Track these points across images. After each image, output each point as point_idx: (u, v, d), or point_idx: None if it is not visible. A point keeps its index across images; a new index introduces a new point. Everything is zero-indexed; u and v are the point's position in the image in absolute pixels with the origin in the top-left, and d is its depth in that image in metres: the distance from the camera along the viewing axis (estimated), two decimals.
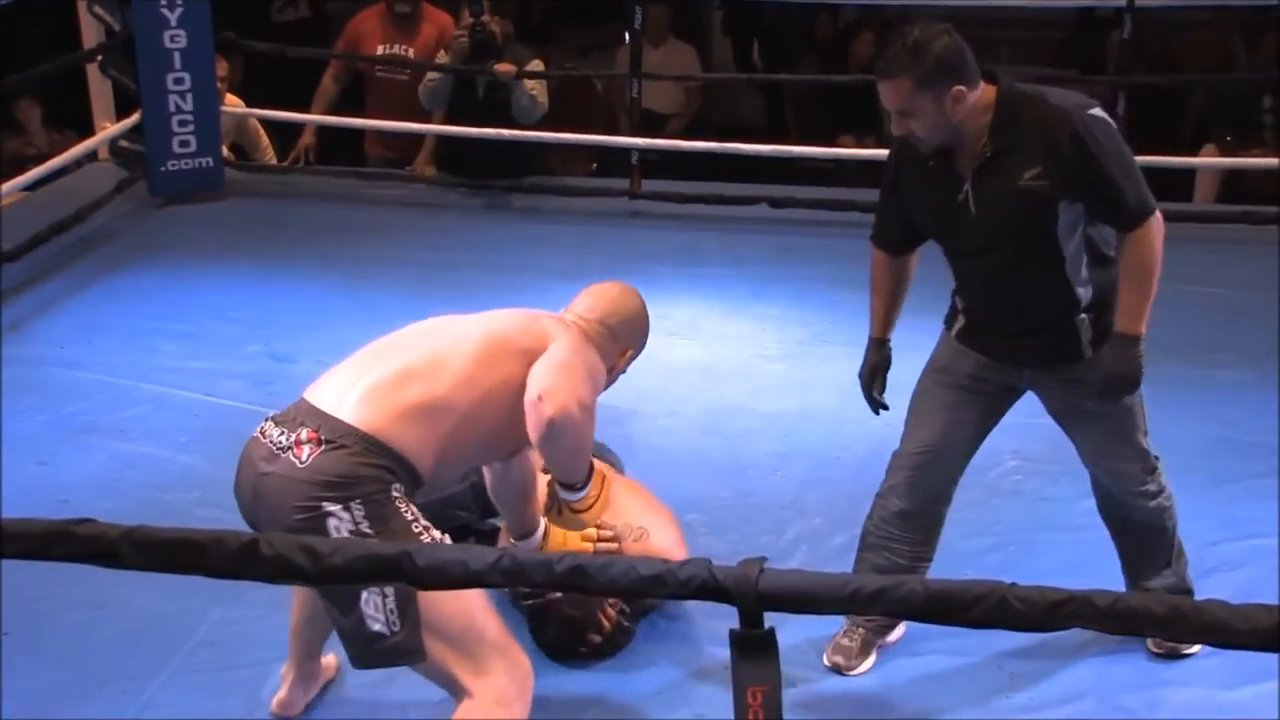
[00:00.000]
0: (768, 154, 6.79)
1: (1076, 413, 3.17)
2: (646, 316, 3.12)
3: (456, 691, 2.62)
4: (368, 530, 2.53)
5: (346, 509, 2.52)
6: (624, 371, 3.13)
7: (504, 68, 6.40)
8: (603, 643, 3.30)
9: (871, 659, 3.32)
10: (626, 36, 7.25)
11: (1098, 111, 2.94)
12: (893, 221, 3.21)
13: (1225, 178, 7.23)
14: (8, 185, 5.93)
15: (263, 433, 2.67)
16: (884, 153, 7.16)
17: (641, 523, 3.42)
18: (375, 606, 2.53)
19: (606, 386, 3.05)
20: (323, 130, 7.17)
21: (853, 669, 3.29)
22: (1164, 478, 3.27)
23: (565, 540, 3.13)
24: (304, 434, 2.59)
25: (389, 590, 2.52)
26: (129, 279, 5.76)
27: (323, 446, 2.57)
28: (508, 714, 2.59)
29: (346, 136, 7.28)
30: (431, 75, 6.56)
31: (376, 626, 2.54)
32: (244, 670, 3.24)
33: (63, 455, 4.30)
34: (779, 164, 7.19)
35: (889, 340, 3.29)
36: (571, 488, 2.88)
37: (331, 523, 2.52)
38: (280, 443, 2.61)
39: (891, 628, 3.38)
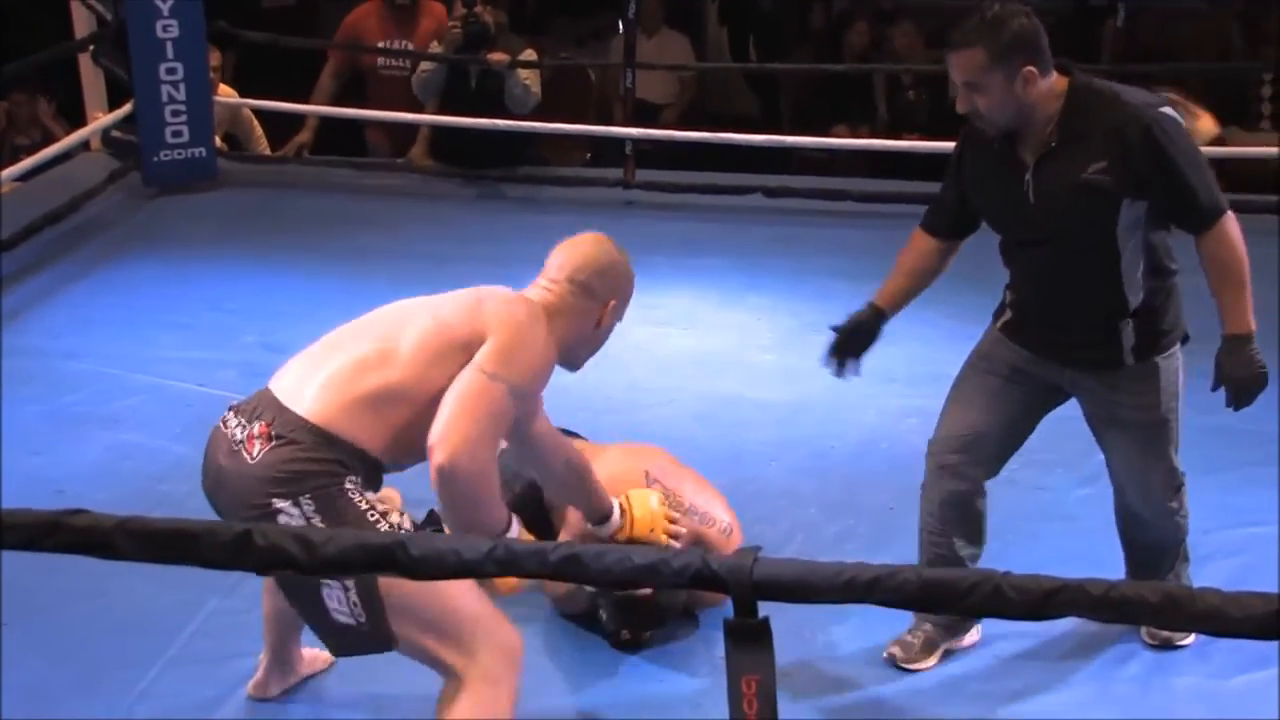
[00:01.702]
0: (762, 144, 6.78)
1: (1113, 421, 3.14)
2: (624, 263, 2.94)
3: (444, 671, 2.62)
4: (319, 525, 2.53)
5: (296, 504, 2.53)
6: (614, 324, 2.97)
7: (497, 57, 6.39)
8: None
9: (935, 659, 3.26)
10: (620, 25, 7.24)
11: (1169, 110, 2.92)
12: (949, 202, 3.17)
13: (1221, 165, 7.23)
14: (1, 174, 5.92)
15: (225, 422, 2.69)
16: (878, 143, 7.23)
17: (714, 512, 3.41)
18: (338, 600, 2.54)
19: (600, 344, 2.95)
20: (322, 126, 7.17)
21: (910, 664, 3.24)
22: (1186, 497, 3.25)
23: (649, 524, 3.15)
24: (257, 428, 2.60)
25: (349, 583, 2.52)
26: (124, 269, 5.75)
27: (273, 442, 2.58)
28: (495, 690, 2.59)
29: (347, 131, 7.27)
30: (425, 66, 6.56)
31: (342, 619, 2.55)
32: (239, 660, 3.23)
33: (58, 445, 4.30)
34: (774, 154, 7.18)
35: (885, 316, 3.19)
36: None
37: (281, 519, 2.53)
38: (236, 436, 2.63)
39: (963, 630, 3.30)
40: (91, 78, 6.76)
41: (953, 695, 3.18)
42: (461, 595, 2.61)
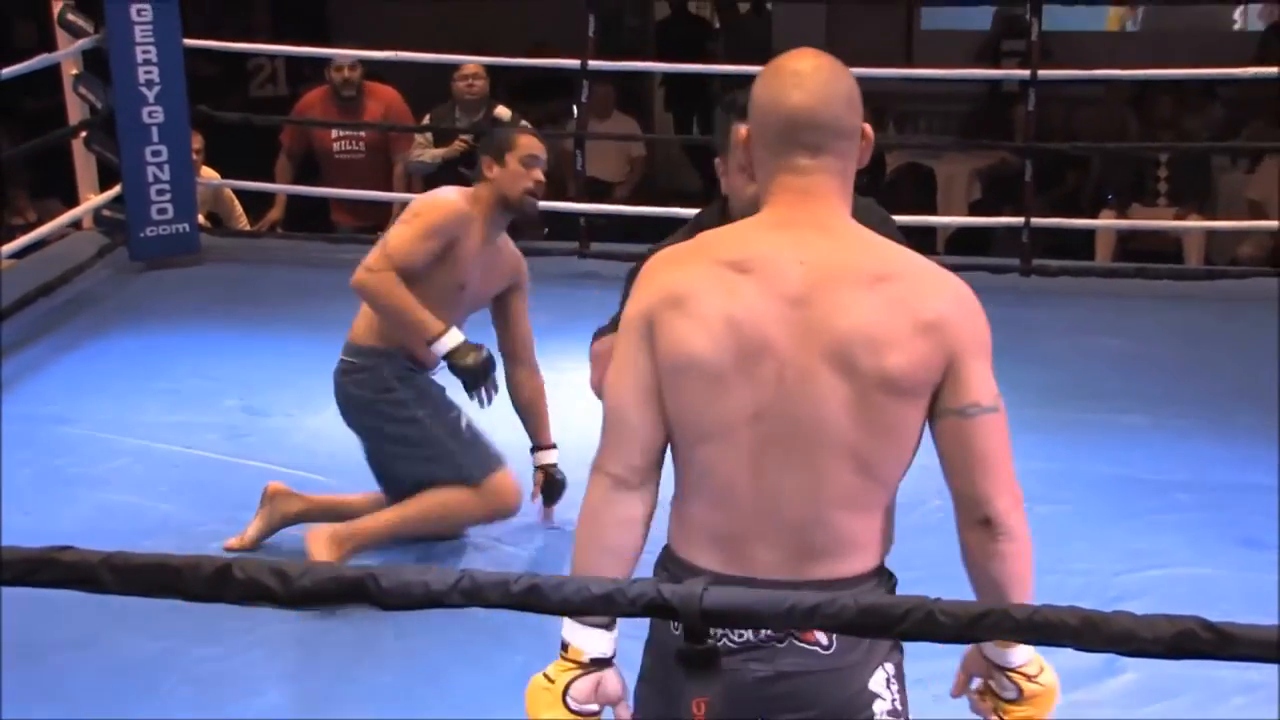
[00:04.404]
0: None
1: None
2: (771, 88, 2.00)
3: None
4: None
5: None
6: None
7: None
8: None
9: None
10: (574, 110, 7.30)
11: None
12: None
13: (1122, 237, 7.38)
14: None
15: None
16: None
17: None
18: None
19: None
20: (289, 206, 7.21)
21: None
22: None
23: None
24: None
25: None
26: (112, 338, 5.71)
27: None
28: None
29: (312, 211, 7.29)
30: (419, 154, 6.66)
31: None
32: (223, 706, 3.19)
33: (48, 506, 4.23)
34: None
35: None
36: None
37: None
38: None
39: None
40: (84, 161, 6.74)
41: None
42: None
